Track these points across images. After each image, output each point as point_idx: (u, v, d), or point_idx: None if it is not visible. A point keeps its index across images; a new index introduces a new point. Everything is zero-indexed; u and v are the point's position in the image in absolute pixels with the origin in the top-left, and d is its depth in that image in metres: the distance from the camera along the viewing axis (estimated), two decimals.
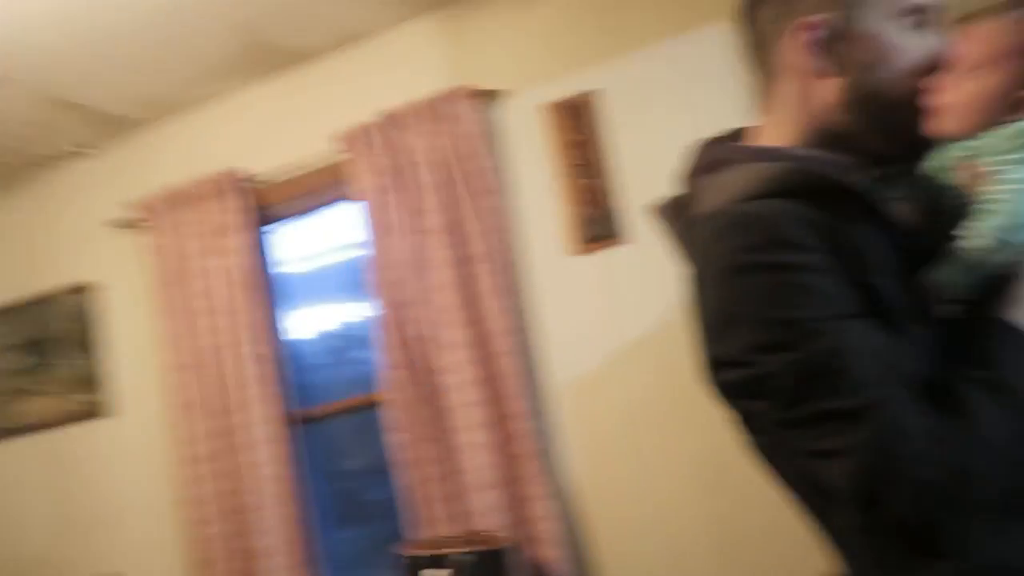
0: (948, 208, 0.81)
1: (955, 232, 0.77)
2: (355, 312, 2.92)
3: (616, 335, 2.41)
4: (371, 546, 2.86)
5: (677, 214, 0.93)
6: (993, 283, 0.75)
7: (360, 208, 2.60)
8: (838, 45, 0.83)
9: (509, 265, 2.45)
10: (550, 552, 2.25)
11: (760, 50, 0.90)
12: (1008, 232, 0.73)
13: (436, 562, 1.99)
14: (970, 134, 0.79)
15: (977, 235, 0.74)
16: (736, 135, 0.97)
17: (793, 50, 0.85)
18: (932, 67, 0.80)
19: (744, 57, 0.94)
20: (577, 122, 2.52)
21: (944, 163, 0.81)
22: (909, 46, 0.82)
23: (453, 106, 2.51)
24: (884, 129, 0.83)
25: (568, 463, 2.42)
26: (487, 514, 2.27)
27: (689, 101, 2.41)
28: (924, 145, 0.82)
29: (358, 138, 2.59)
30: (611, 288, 2.43)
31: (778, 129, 0.88)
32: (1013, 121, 0.77)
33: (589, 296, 2.45)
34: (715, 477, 2.30)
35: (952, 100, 0.78)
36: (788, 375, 0.71)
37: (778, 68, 0.88)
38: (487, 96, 2.57)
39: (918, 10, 0.82)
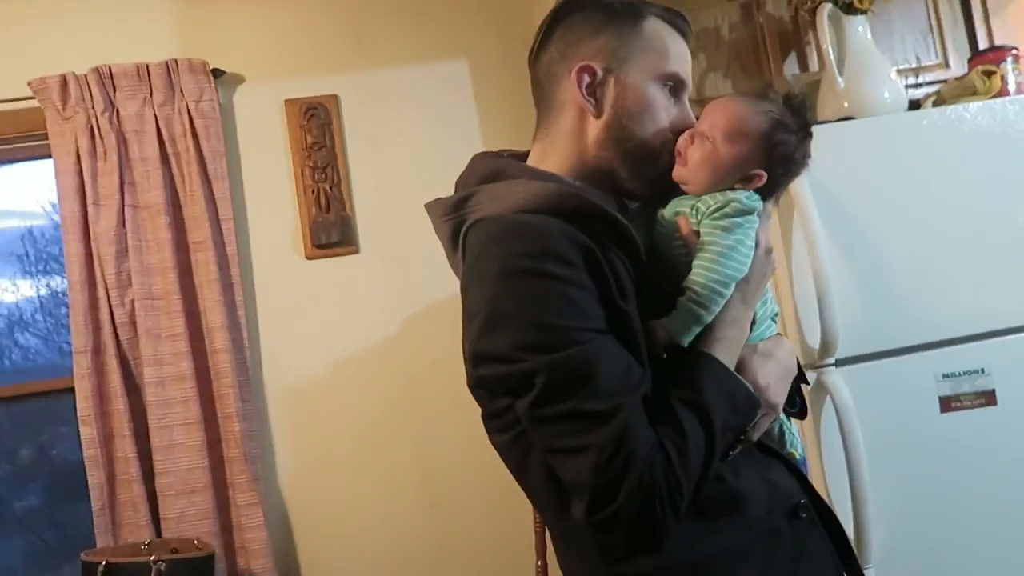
0: (664, 252, 0.97)
1: (668, 275, 0.93)
2: (32, 287, 2.59)
3: (342, 344, 2.43)
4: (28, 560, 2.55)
5: (450, 214, 0.97)
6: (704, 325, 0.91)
7: (58, 169, 2.29)
8: (608, 90, 0.95)
9: (234, 258, 2.35)
10: (257, 562, 2.18)
11: (544, 85, 1.01)
12: (716, 287, 0.90)
13: (130, 571, 1.84)
14: (701, 191, 0.96)
15: (691, 288, 0.90)
16: (511, 154, 1.06)
17: (571, 89, 0.96)
18: (678, 128, 0.97)
19: (534, 93, 1.04)
20: (318, 124, 2.50)
21: (673, 212, 0.97)
22: (663, 106, 0.96)
23: (185, 78, 2.34)
24: (635, 171, 0.97)
25: (283, 470, 2.38)
26: (191, 520, 2.15)
27: (426, 125, 2.53)
28: (666, 190, 0.98)
29: (56, 88, 2.28)
30: (340, 296, 2.45)
31: (552, 156, 0.99)
32: (746, 188, 0.95)
33: (317, 302, 2.44)
34: (434, 493, 2.42)
35: (695, 157, 0.95)
36: (547, 374, 0.79)
37: (558, 103, 0.99)
38: (227, 78, 2.44)
39: (673, 78, 0.97)
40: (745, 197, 0.93)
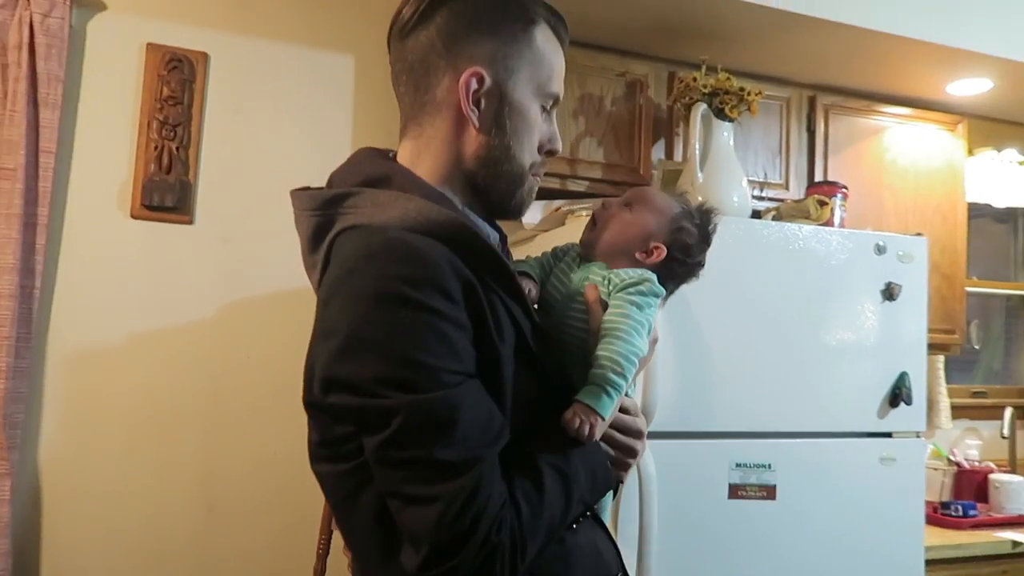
0: (554, 310, 0.97)
1: (551, 331, 0.93)
2: None
3: (147, 317, 2.21)
4: None
5: (319, 210, 0.88)
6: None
7: None
8: (493, 103, 0.89)
9: (46, 196, 2.07)
10: None
11: (418, 71, 0.90)
12: (633, 359, 0.90)
13: None
14: (603, 251, 1.00)
15: (612, 359, 0.89)
16: (385, 154, 0.97)
17: (454, 92, 0.88)
18: (547, 147, 0.96)
19: (397, 73, 0.94)
20: (179, 78, 2.31)
21: (582, 278, 0.98)
22: (539, 124, 0.93)
23: None
24: (507, 190, 0.92)
25: (45, 443, 2.10)
26: None
27: (296, 110, 2.41)
28: (521, 211, 0.96)
29: None
30: (159, 265, 2.24)
31: (425, 160, 0.91)
32: (643, 265, 0.99)
33: (131, 266, 2.21)
34: (214, 496, 2.23)
35: (606, 221, 1.01)
36: (406, 415, 0.73)
37: (435, 100, 0.90)
38: (86, 1, 2.20)
39: (554, 97, 0.95)
40: (656, 279, 0.97)
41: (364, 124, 2.47)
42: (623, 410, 0.96)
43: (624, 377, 0.89)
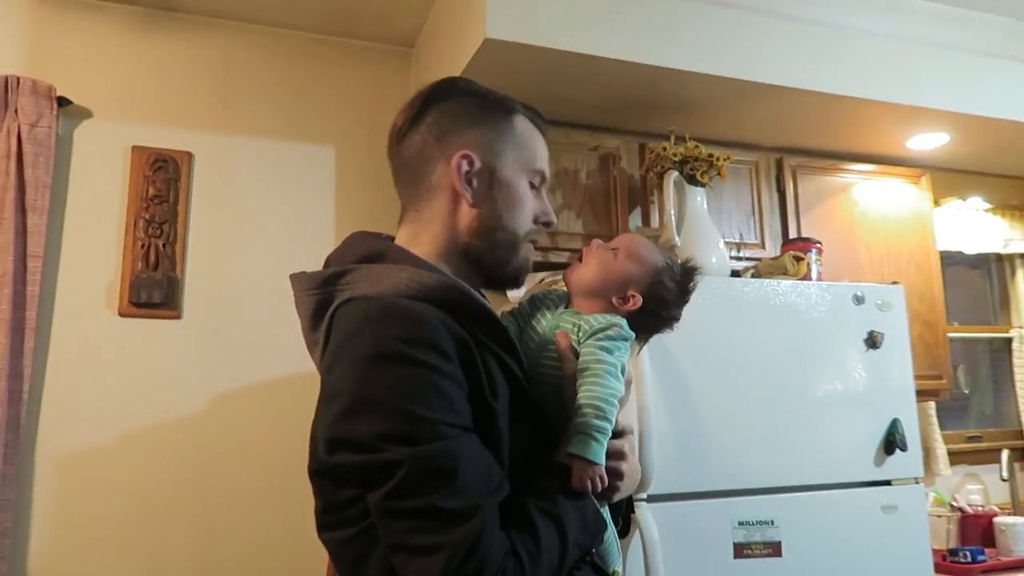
0: (529, 360, 0.98)
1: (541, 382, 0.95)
2: None
3: (139, 414, 2.20)
4: None
5: (319, 288, 0.94)
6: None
7: None
8: (484, 181, 0.98)
9: (34, 300, 2.10)
10: None
11: (415, 166, 0.99)
12: (612, 400, 0.92)
13: None
14: (583, 290, 1.02)
15: (591, 405, 0.91)
16: (378, 235, 1.04)
17: (448, 174, 0.97)
18: (541, 219, 1.03)
19: (397, 172, 1.03)
20: (164, 177, 2.37)
21: (553, 326, 1.01)
22: (530, 199, 1.01)
23: (25, 98, 2.16)
24: (502, 259, 0.99)
25: (36, 551, 2.04)
26: None
27: (280, 202, 2.47)
28: (519, 280, 1.02)
29: None
30: (149, 361, 2.24)
31: (423, 238, 0.99)
32: (618, 311, 1.02)
33: (121, 364, 2.21)
34: None
35: (592, 261, 1.05)
36: (409, 466, 0.76)
37: (431, 185, 0.98)
38: (72, 109, 2.28)
39: (540, 174, 1.03)
40: (625, 325, 1.00)
41: (347, 212, 2.53)
42: None
43: (607, 420, 0.91)
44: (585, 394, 0.93)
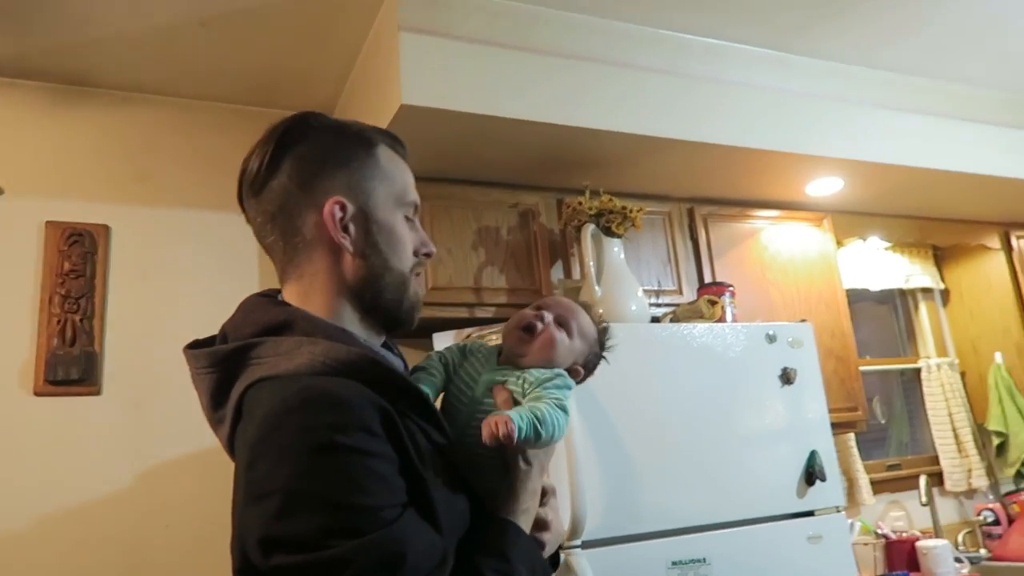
0: (457, 418, 0.98)
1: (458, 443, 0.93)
2: None
3: (57, 497, 2.11)
4: None
5: (218, 366, 0.88)
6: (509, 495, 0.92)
7: None
8: (360, 226, 0.92)
9: None
10: None
11: (280, 218, 0.92)
12: (558, 423, 0.93)
13: None
14: (532, 365, 1.03)
15: (539, 408, 0.92)
16: (275, 293, 0.98)
17: (321, 226, 0.91)
18: (421, 251, 0.99)
19: (260, 226, 0.95)
20: (80, 252, 2.33)
21: (490, 380, 1.01)
22: (408, 234, 0.97)
23: None
24: (396, 300, 0.95)
25: None
26: None
27: (202, 272, 2.46)
28: (414, 318, 0.98)
29: None
30: (67, 441, 2.16)
31: (315, 298, 0.92)
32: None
33: (37, 445, 2.13)
34: None
35: (546, 338, 1.05)
36: (358, 561, 0.71)
37: (305, 240, 0.92)
38: None
39: (412, 205, 0.98)
40: (567, 375, 1.05)
41: (270, 279, 2.49)
42: None
43: (544, 427, 0.91)
44: (535, 404, 0.94)
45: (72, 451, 2.16)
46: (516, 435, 0.87)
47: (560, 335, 1.07)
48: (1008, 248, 3.54)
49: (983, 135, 2.98)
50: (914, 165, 2.78)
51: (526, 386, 0.99)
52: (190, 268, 2.44)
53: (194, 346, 0.94)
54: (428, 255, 1.00)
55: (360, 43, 2.34)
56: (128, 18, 2.14)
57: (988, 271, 3.62)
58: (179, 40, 2.25)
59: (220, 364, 0.88)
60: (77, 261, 2.33)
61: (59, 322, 2.25)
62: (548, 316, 1.07)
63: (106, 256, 2.36)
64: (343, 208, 0.92)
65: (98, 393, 2.24)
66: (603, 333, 1.16)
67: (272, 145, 0.93)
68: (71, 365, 2.23)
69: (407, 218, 0.98)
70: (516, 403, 0.97)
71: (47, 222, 2.31)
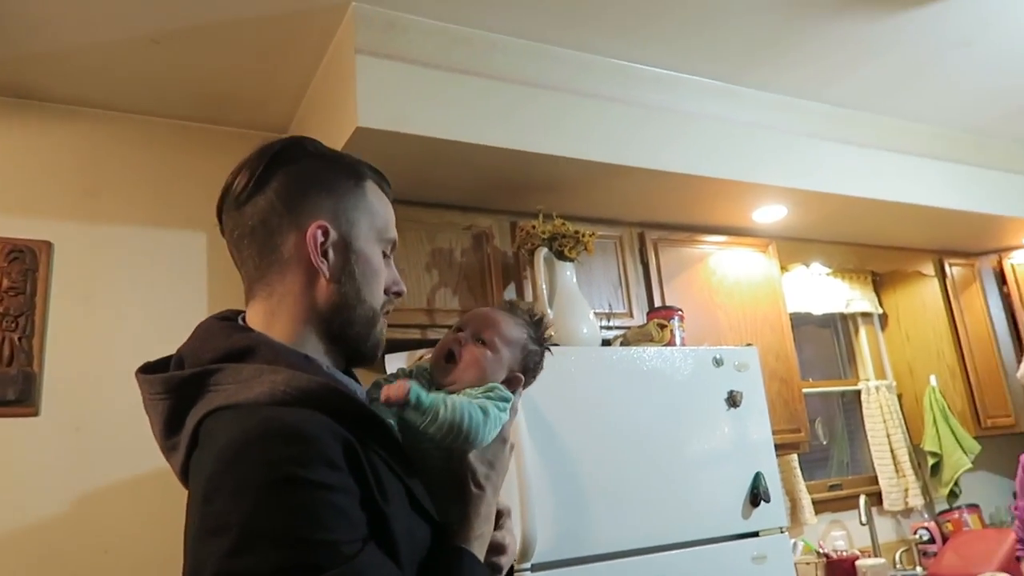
0: (413, 430, 0.95)
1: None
2: None
3: None
4: None
5: (173, 392, 0.85)
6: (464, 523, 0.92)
7: None
8: (340, 253, 0.92)
9: None
10: None
11: (261, 235, 0.91)
12: (475, 414, 0.92)
13: None
14: (467, 388, 1.01)
15: (453, 397, 0.92)
16: (235, 316, 0.96)
17: (302, 247, 0.90)
18: (391, 289, 1.00)
19: (237, 239, 0.94)
20: (20, 268, 2.27)
21: (433, 399, 0.97)
22: (383, 269, 0.97)
23: None
24: (363, 333, 0.94)
25: None
26: None
27: (149, 290, 2.41)
28: (377, 355, 0.98)
29: None
30: (2, 463, 2.09)
31: (281, 318, 0.91)
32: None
33: None
34: None
35: (468, 358, 1.03)
36: None
37: (282, 258, 0.91)
38: None
39: (392, 242, 0.99)
40: (503, 388, 1.01)
41: (220, 298, 2.48)
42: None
43: (454, 417, 0.90)
44: (459, 397, 0.94)
45: (7, 474, 2.09)
46: (406, 393, 0.86)
47: (481, 352, 1.03)
48: (942, 275, 3.70)
49: (917, 167, 3.12)
50: (853, 195, 2.89)
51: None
52: (135, 287, 2.39)
53: (147, 370, 0.91)
54: (398, 294, 1.00)
55: (316, 64, 2.34)
56: (78, 32, 2.10)
57: (923, 296, 3.77)
58: (131, 55, 2.22)
59: (176, 390, 0.85)
60: (16, 278, 2.26)
61: None
62: (466, 336, 1.04)
63: (47, 273, 2.30)
64: (325, 233, 0.92)
65: (36, 414, 2.17)
66: (536, 326, 1.11)
67: (264, 162, 0.93)
68: (7, 385, 2.15)
69: (384, 254, 0.99)
70: None
71: None
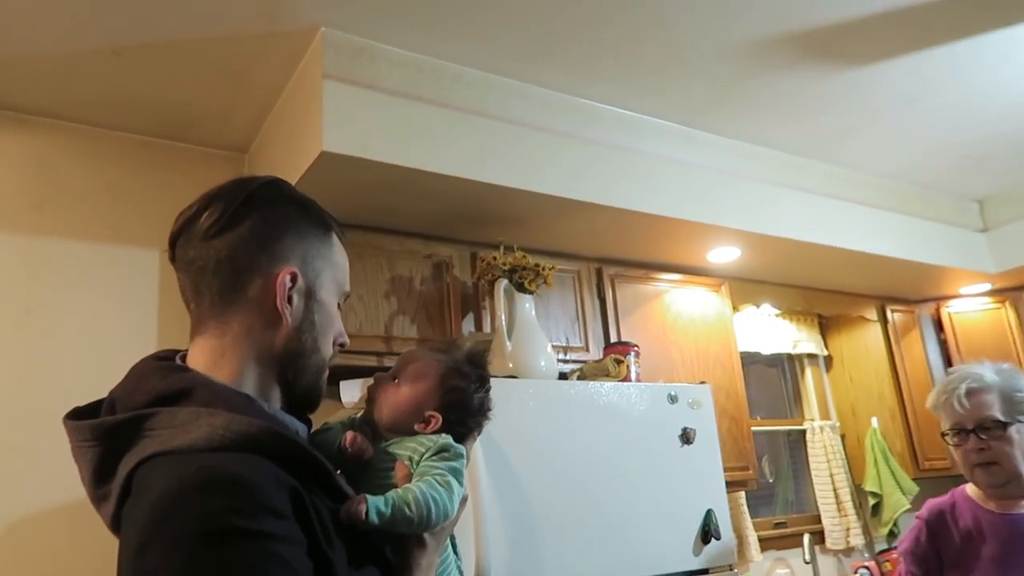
0: (368, 475, 0.96)
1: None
2: None
3: None
4: None
5: (103, 440, 0.82)
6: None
7: None
8: (303, 301, 0.92)
9: None
10: None
11: (227, 271, 0.89)
12: (433, 508, 0.89)
13: None
14: (384, 427, 1.01)
15: (411, 493, 0.89)
16: (172, 356, 0.93)
17: (268, 289, 0.89)
18: (339, 340, 0.98)
19: (198, 271, 0.91)
20: None
21: (383, 451, 1.00)
22: (337, 320, 0.98)
23: None
24: (311, 382, 0.94)
25: None
26: None
27: (96, 308, 2.34)
28: (317, 404, 0.96)
29: None
30: None
31: (230, 358, 0.89)
32: (425, 431, 1.01)
33: None
34: None
35: (382, 397, 1.03)
36: None
37: (246, 298, 0.89)
38: None
39: (346, 295, 1.01)
40: (451, 440, 0.99)
41: (171, 318, 2.42)
42: None
43: (415, 513, 0.88)
44: (416, 486, 0.91)
45: None
46: (364, 515, 0.84)
47: (394, 391, 1.04)
48: (884, 320, 3.82)
49: (864, 216, 3.24)
50: (804, 240, 2.98)
51: (415, 462, 0.97)
52: (82, 304, 2.32)
53: (75, 416, 0.86)
54: (343, 345, 1.00)
55: (281, 87, 2.33)
56: (37, 38, 2.05)
57: (866, 340, 3.88)
58: (89, 66, 2.18)
59: (105, 437, 0.81)
60: None
61: None
62: (387, 376, 1.05)
63: None
64: (294, 279, 0.91)
65: None
66: (471, 363, 1.09)
67: (241, 199, 0.92)
68: None
69: (339, 307, 0.99)
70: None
71: None
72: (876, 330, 3.84)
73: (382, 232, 2.48)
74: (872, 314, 3.84)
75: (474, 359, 1.10)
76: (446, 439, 1.00)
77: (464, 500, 0.99)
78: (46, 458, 2.13)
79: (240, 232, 0.90)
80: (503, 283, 2.38)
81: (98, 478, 0.81)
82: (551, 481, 2.00)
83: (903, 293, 3.89)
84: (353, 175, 2.13)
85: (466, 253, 2.62)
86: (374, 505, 0.85)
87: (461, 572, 1.07)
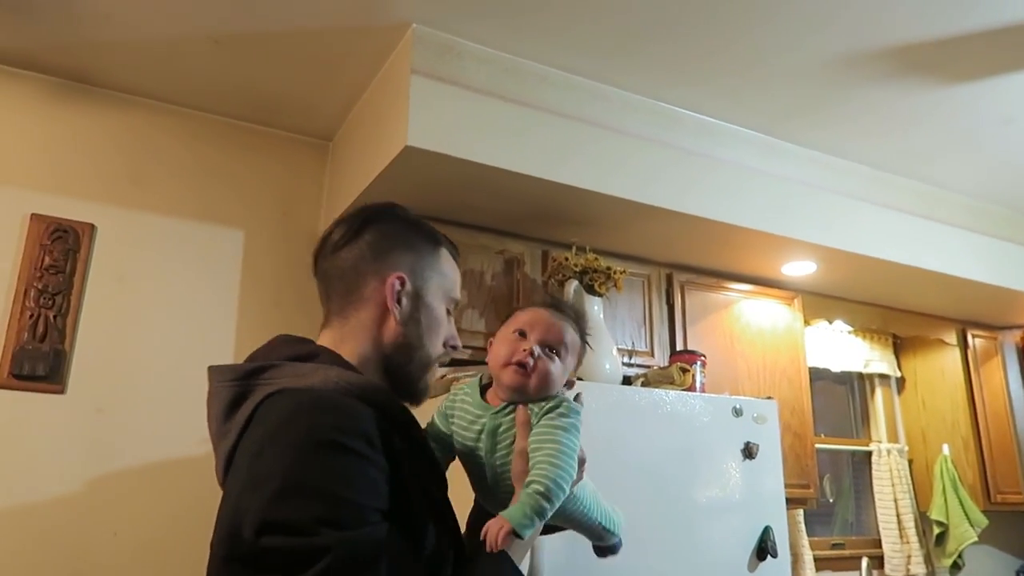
0: (486, 450, 1.05)
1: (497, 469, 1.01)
2: None
3: (7, 492, 2.07)
4: None
5: (238, 380, 0.96)
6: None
7: None
8: (411, 302, 1.06)
9: None
10: None
11: (349, 276, 1.06)
12: (561, 483, 0.96)
13: None
14: (534, 397, 1.07)
15: (538, 482, 0.95)
16: (304, 339, 1.07)
17: (381, 291, 1.05)
18: (450, 342, 1.11)
19: (329, 278, 1.08)
20: (63, 248, 2.32)
21: (496, 427, 1.06)
22: (445, 324, 1.10)
23: None
24: (417, 375, 1.07)
25: None
26: None
27: (183, 282, 2.45)
28: (423, 398, 1.07)
29: None
30: (22, 437, 2.13)
31: (348, 343, 1.04)
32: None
33: None
34: None
35: (542, 369, 1.08)
36: (335, 553, 0.77)
37: (362, 297, 1.05)
38: None
39: (455, 302, 1.13)
40: (571, 400, 1.07)
41: (251, 295, 2.52)
42: None
43: (552, 503, 0.95)
44: (539, 472, 0.97)
45: (27, 448, 2.13)
46: (516, 534, 0.91)
47: (554, 365, 1.09)
48: (964, 345, 3.68)
49: (948, 236, 3.13)
50: (883, 257, 2.90)
51: (536, 408, 1.05)
52: (170, 276, 2.44)
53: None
54: (454, 347, 1.12)
55: (368, 80, 2.39)
56: (143, 24, 2.16)
57: (943, 365, 3.75)
58: (190, 52, 2.28)
59: (240, 379, 0.96)
60: (58, 257, 2.31)
61: (32, 316, 2.23)
62: (536, 348, 1.10)
63: (88, 255, 2.35)
64: (403, 283, 1.06)
65: (62, 392, 2.21)
66: (583, 325, 1.18)
67: (361, 219, 1.09)
68: (38, 361, 2.20)
69: (448, 311, 1.12)
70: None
71: (32, 214, 2.29)
72: (954, 354, 3.70)
73: (456, 225, 2.52)
74: (951, 338, 3.71)
75: (581, 316, 1.21)
76: (564, 396, 1.07)
77: (582, 462, 1.07)
78: (135, 420, 2.26)
79: (359, 245, 1.07)
80: (573, 284, 2.39)
81: (226, 415, 0.95)
82: (609, 486, 1.98)
83: (986, 318, 3.74)
84: (433, 170, 2.18)
85: (537, 251, 2.65)
86: (517, 524, 0.92)
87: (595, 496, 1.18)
